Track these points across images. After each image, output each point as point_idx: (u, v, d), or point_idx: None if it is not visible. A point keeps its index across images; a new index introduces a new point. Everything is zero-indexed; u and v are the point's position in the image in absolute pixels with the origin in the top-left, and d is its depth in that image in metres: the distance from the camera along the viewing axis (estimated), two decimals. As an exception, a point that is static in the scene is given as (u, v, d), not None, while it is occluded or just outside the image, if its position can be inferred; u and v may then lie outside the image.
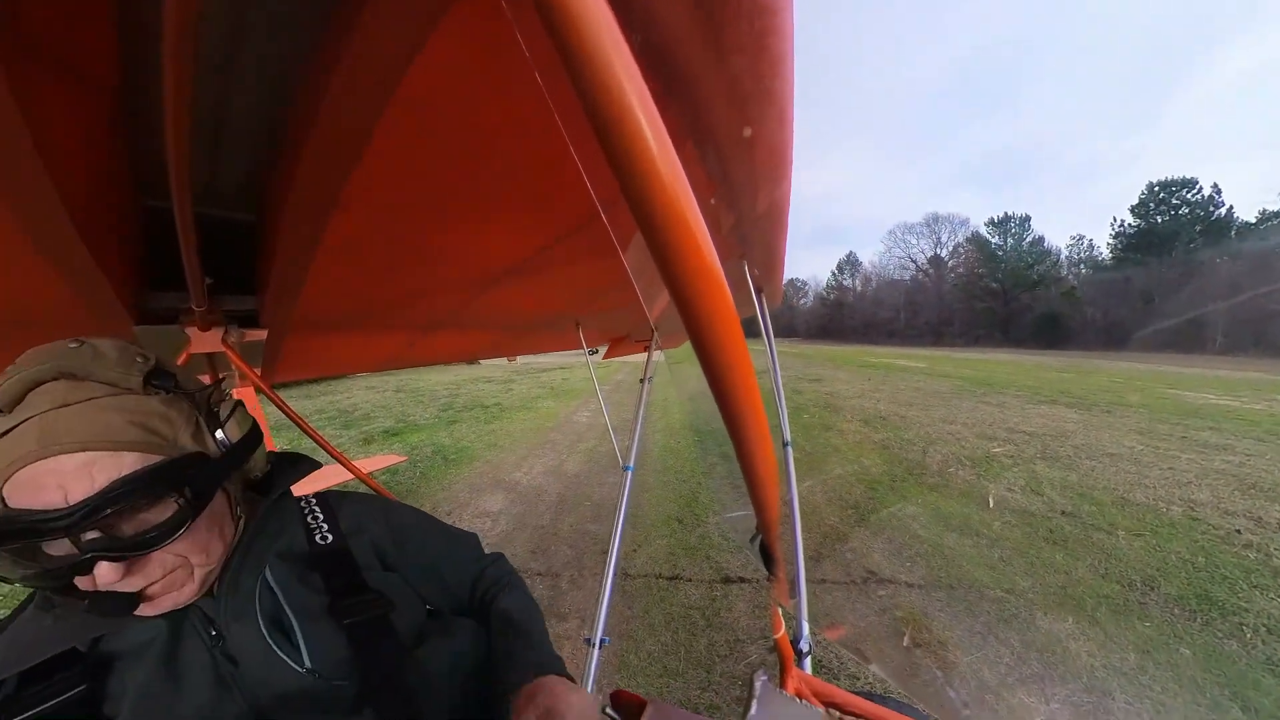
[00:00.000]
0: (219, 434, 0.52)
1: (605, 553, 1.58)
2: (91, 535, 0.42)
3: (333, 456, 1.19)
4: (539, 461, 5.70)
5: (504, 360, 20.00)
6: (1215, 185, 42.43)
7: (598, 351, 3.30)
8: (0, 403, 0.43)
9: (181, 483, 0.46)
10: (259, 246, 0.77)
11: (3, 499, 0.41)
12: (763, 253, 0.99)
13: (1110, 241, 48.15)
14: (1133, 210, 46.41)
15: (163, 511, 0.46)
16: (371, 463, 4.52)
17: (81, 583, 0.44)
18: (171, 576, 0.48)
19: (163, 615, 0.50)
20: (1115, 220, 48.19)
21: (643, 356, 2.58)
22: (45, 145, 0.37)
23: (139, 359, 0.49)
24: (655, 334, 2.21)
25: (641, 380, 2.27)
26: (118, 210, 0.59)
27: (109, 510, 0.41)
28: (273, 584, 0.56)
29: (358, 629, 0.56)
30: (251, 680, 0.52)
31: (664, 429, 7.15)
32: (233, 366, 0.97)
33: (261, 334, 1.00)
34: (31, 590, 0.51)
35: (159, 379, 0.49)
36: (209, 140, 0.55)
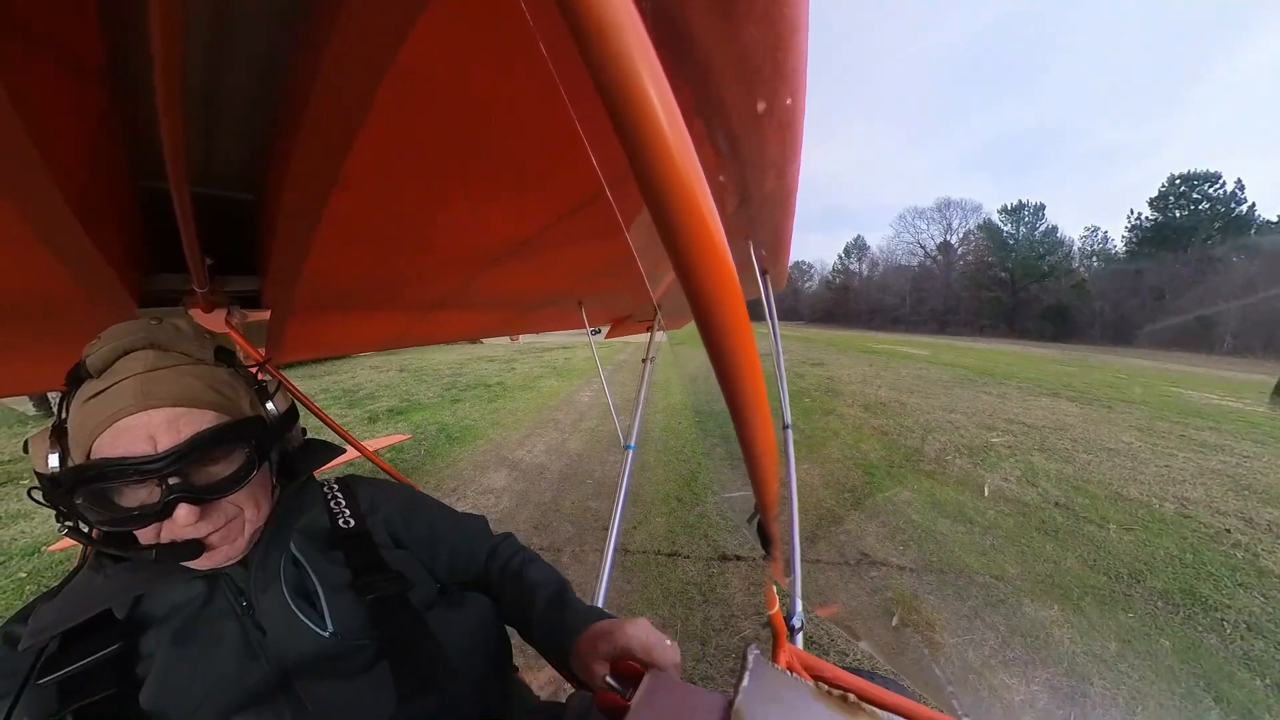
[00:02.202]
0: (269, 405, 0.61)
1: (606, 529, 1.62)
2: (174, 480, 0.48)
3: (339, 435, 1.21)
4: (541, 440, 5.77)
5: (507, 340, 20.01)
6: (1239, 181, 41.25)
7: (600, 331, 3.29)
8: (93, 369, 0.49)
9: (249, 438, 0.54)
10: (259, 226, 0.76)
11: (88, 452, 0.47)
12: (769, 233, 0.97)
13: (1125, 235, 47.20)
14: (1151, 203, 45.28)
15: (230, 465, 0.53)
16: (376, 442, 4.58)
17: (161, 529, 0.50)
18: (229, 527, 0.54)
19: (200, 578, 0.55)
20: (1132, 213, 47.15)
21: (645, 337, 2.58)
22: (39, 130, 0.36)
23: (207, 335, 0.58)
24: (658, 314, 2.20)
25: (644, 360, 2.27)
26: (115, 193, 0.58)
27: (195, 456, 0.49)
28: (299, 557, 0.60)
29: (377, 604, 0.60)
30: (277, 646, 0.54)
31: (665, 409, 7.19)
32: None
33: (265, 314, 1.00)
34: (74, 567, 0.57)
35: (224, 355, 0.58)
36: (203, 119, 0.53)
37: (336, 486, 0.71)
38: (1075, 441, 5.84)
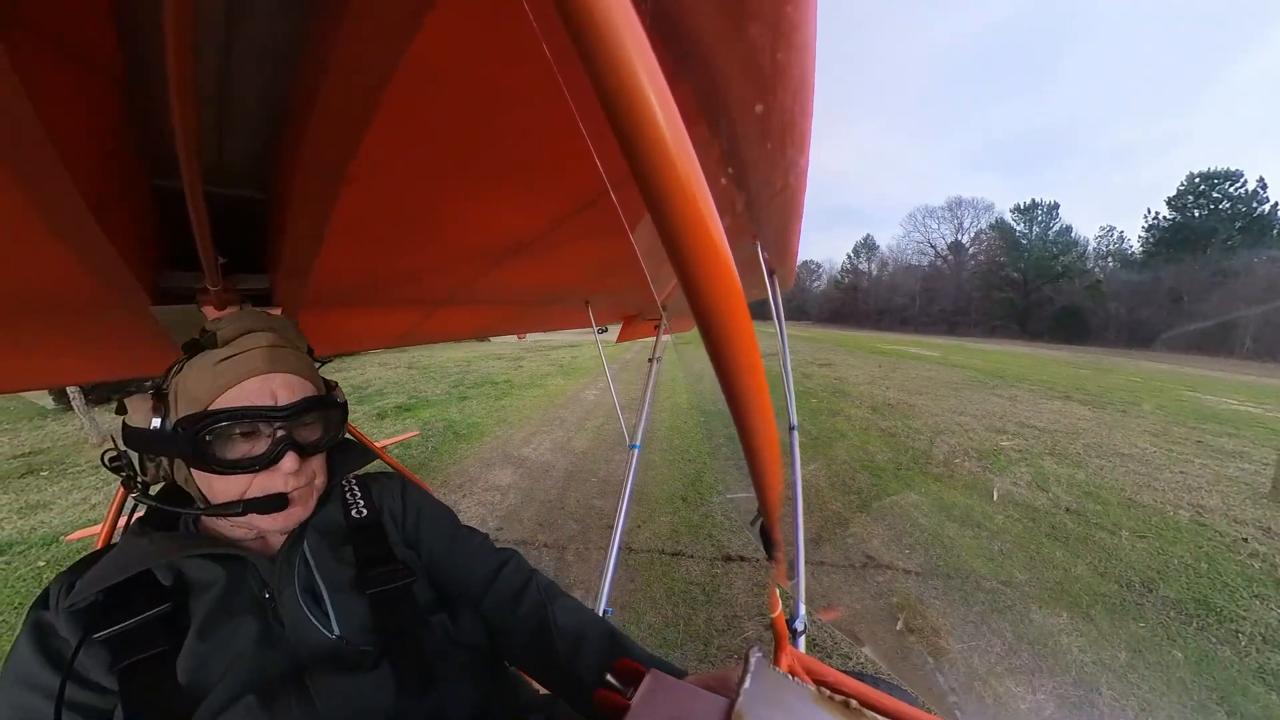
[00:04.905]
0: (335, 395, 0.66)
1: (610, 527, 1.62)
2: (283, 432, 0.56)
3: (347, 431, 1.22)
4: (547, 438, 5.79)
5: (514, 338, 20.10)
6: (1261, 180, 40.19)
7: (607, 329, 3.30)
8: (221, 340, 0.56)
9: (334, 410, 0.63)
10: (270, 224, 0.77)
11: (209, 405, 0.54)
12: (776, 234, 0.96)
13: (1142, 235, 46.25)
14: (1169, 202, 44.32)
15: (321, 430, 0.61)
16: (387, 440, 4.62)
17: (251, 484, 0.55)
18: (305, 489, 0.60)
19: (232, 561, 0.58)
20: (1149, 212, 46.21)
21: (650, 337, 2.58)
22: (56, 129, 0.36)
23: (300, 332, 0.66)
24: (664, 314, 2.20)
25: (650, 360, 2.27)
26: (130, 191, 0.59)
27: (304, 414, 0.57)
28: (309, 556, 0.62)
29: (380, 597, 0.62)
30: (293, 640, 0.57)
31: (671, 409, 7.19)
32: None
33: (276, 312, 1.02)
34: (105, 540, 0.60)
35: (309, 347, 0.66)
36: (216, 118, 0.54)
37: (354, 481, 0.74)
38: (1088, 446, 5.75)
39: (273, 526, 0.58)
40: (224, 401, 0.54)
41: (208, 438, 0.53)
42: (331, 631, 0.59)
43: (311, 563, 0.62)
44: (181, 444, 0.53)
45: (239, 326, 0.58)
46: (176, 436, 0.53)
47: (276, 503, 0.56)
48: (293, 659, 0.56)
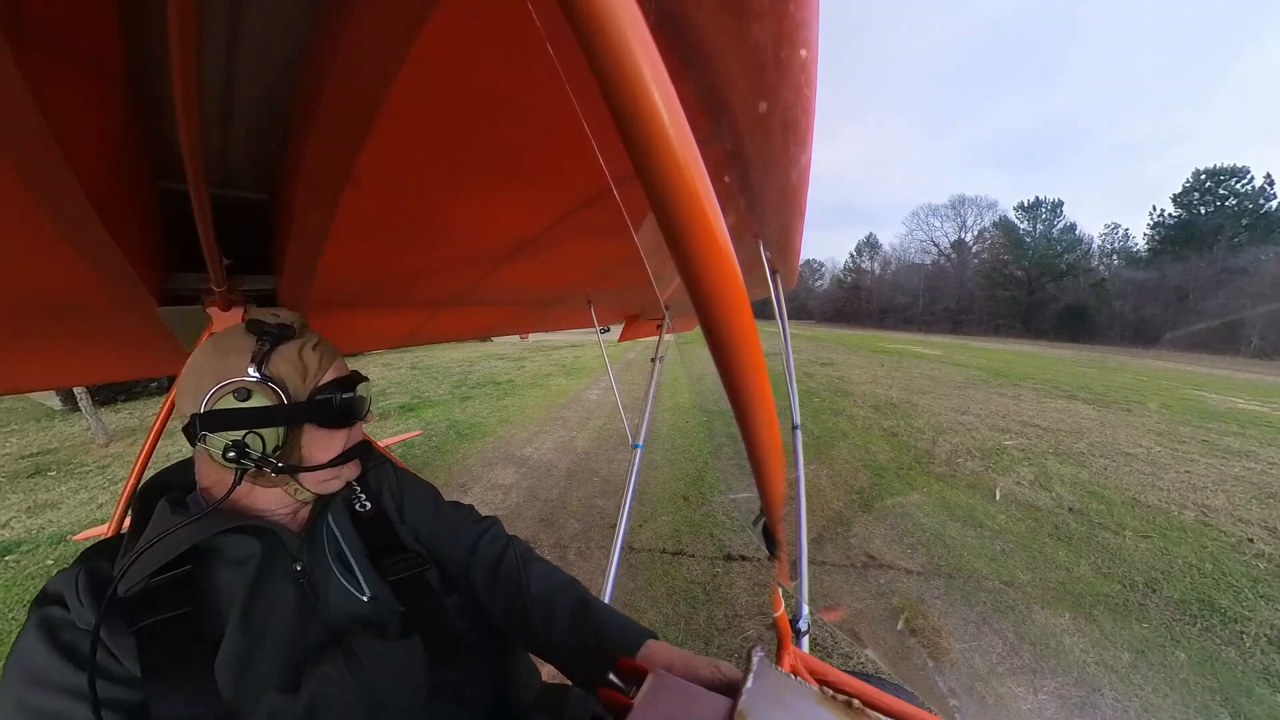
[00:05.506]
0: None
1: (612, 526, 1.62)
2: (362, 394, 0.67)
3: None
4: (549, 437, 5.80)
5: (516, 338, 20.13)
6: (1268, 176, 39.87)
7: (609, 329, 3.30)
8: (297, 331, 0.63)
9: None
10: (275, 226, 0.78)
11: (321, 379, 0.62)
12: (779, 231, 0.96)
13: (1147, 232, 45.95)
14: (1174, 199, 44.00)
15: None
16: (389, 439, 4.63)
17: (351, 432, 0.66)
18: None
19: (263, 535, 0.59)
20: (1154, 209, 45.90)
21: (653, 336, 2.58)
22: (61, 132, 0.37)
23: None
24: (667, 313, 2.20)
25: (652, 359, 2.27)
26: (136, 194, 0.60)
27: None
28: (335, 530, 0.66)
29: (399, 585, 0.65)
30: (328, 608, 0.60)
31: (673, 408, 7.19)
32: None
33: (280, 314, 1.02)
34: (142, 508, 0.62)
35: None
36: (220, 120, 0.55)
37: None
38: (1092, 445, 5.72)
39: (354, 473, 0.68)
40: (331, 374, 0.63)
41: (347, 396, 0.63)
42: (364, 595, 0.63)
43: (337, 533, 0.66)
44: (323, 406, 0.61)
45: (300, 324, 0.66)
46: (316, 402, 0.61)
47: (368, 447, 0.68)
48: (330, 626, 0.59)
